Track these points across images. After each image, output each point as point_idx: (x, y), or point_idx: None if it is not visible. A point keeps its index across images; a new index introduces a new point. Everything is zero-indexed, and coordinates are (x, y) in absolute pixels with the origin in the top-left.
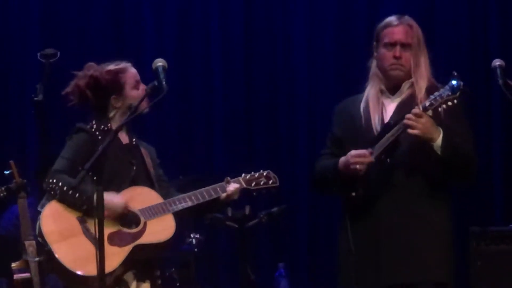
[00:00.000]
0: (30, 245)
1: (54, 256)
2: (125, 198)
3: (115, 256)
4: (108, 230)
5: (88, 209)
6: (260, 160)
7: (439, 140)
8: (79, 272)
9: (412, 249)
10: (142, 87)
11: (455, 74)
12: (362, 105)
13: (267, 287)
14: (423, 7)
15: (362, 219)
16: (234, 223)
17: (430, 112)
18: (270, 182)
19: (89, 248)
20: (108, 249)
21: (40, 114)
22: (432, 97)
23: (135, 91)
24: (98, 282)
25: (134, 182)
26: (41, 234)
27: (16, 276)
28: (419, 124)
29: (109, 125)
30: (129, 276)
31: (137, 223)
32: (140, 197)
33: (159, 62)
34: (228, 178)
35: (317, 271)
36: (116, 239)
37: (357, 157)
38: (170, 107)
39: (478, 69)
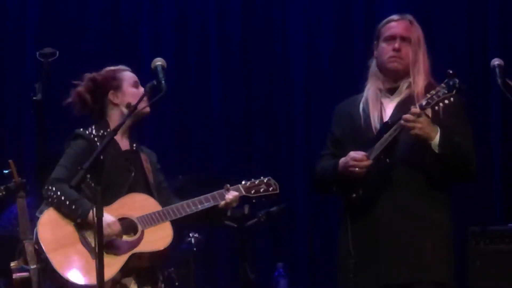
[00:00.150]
0: (29, 245)
1: (50, 265)
2: (123, 206)
3: (111, 265)
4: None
5: (81, 224)
6: (259, 160)
7: (436, 139)
8: (75, 282)
9: (412, 248)
10: (141, 89)
11: (450, 72)
12: (362, 105)
13: (266, 287)
14: (422, 7)
15: (362, 219)
16: (233, 223)
17: (429, 111)
18: (271, 189)
19: (86, 257)
20: (105, 257)
21: (38, 113)
22: (428, 95)
23: (133, 89)
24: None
25: (132, 189)
26: (37, 242)
27: (15, 276)
28: (418, 123)
29: (108, 130)
30: (128, 281)
31: (135, 231)
32: (138, 205)
33: (158, 62)
34: (228, 185)
35: (316, 271)
36: (113, 248)
37: (355, 161)
38: (169, 107)
39: (477, 68)
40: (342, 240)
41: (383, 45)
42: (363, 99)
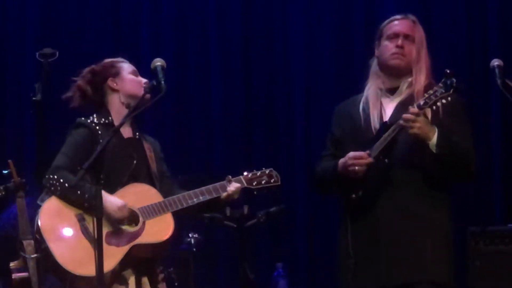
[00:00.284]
0: (28, 244)
1: (51, 255)
2: (125, 196)
3: (112, 256)
4: (106, 229)
5: (89, 207)
6: (259, 160)
7: (434, 139)
8: (75, 272)
9: (412, 249)
10: (140, 77)
11: (448, 71)
12: (362, 104)
13: (266, 287)
14: (422, 7)
15: (362, 219)
16: (232, 223)
17: (428, 111)
18: (272, 180)
19: (87, 248)
20: (106, 248)
21: (38, 113)
22: (426, 95)
23: (132, 76)
24: (97, 282)
25: (134, 177)
26: (38, 231)
27: (14, 276)
28: (417, 123)
29: (110, 118)
30: (128, 272)
31: (136, 222)
32: (140, 195)
33: (158, 62)
34: (230, 177)
35: (316, 271)
36: (114, 239)
37: (355, 159)
38: (169, 107)
39: (476, 68)
40: (342, 240)
41: (385, 43)
42: (363, 99)
